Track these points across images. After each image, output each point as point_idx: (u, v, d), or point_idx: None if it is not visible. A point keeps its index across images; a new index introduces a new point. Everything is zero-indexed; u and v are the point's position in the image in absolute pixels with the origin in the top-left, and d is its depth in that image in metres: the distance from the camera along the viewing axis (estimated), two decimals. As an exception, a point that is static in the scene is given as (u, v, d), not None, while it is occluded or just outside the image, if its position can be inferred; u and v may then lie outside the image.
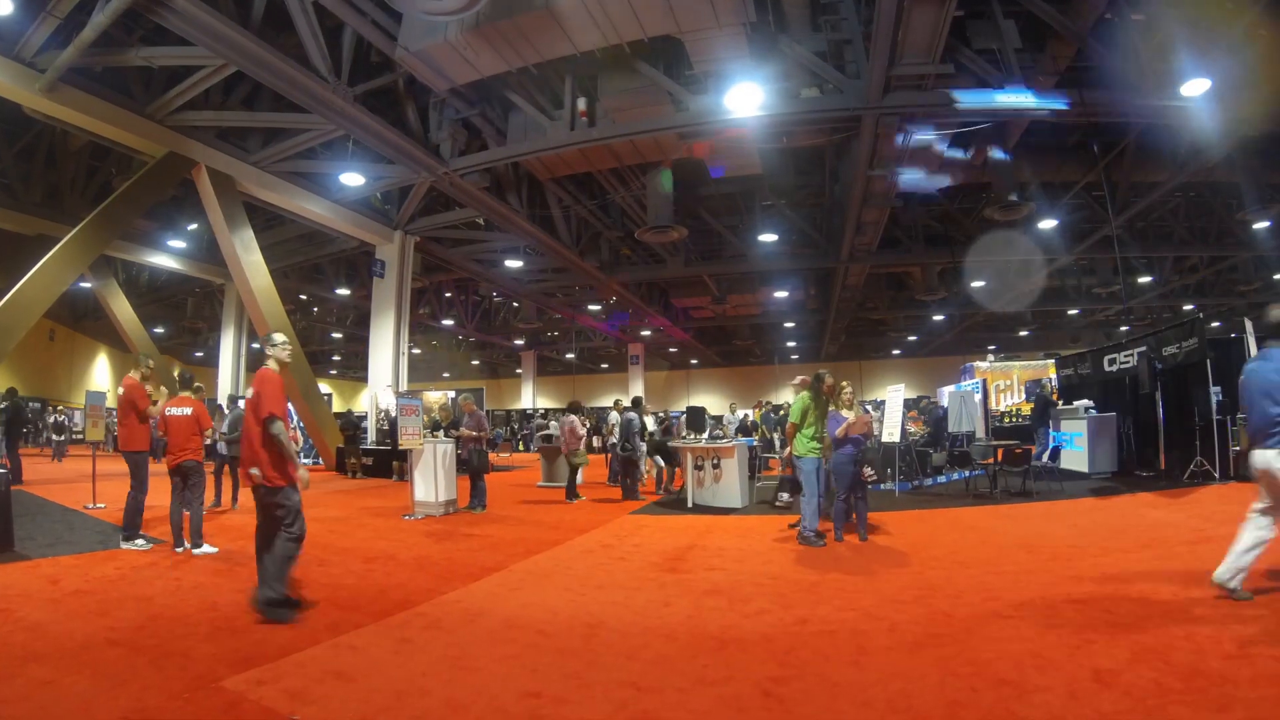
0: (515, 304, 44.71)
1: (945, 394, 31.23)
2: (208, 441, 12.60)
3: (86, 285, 31.96)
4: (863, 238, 26.53)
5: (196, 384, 11.87)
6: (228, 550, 11.02)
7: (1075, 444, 19.90)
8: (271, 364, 7.97)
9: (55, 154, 24.82)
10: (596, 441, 30.92)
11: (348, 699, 5.45)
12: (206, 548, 10.89)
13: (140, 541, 11.24)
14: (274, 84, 16.88)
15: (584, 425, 19.18)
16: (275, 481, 7.76)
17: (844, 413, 11.57)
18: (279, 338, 8.10)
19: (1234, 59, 15.74)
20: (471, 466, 16.52)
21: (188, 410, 11.25)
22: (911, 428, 21.38)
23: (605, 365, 68.08)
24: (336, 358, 61.26)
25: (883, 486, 18.30)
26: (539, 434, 27.96)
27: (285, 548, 7.76)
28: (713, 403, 46.68)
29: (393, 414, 20.06)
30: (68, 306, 40.23)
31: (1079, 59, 17.00)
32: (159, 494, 11.95)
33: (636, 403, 18.92)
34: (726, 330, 51.73)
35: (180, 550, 10.78)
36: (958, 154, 20.67)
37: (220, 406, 21.03)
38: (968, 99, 16.74)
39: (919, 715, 5.00)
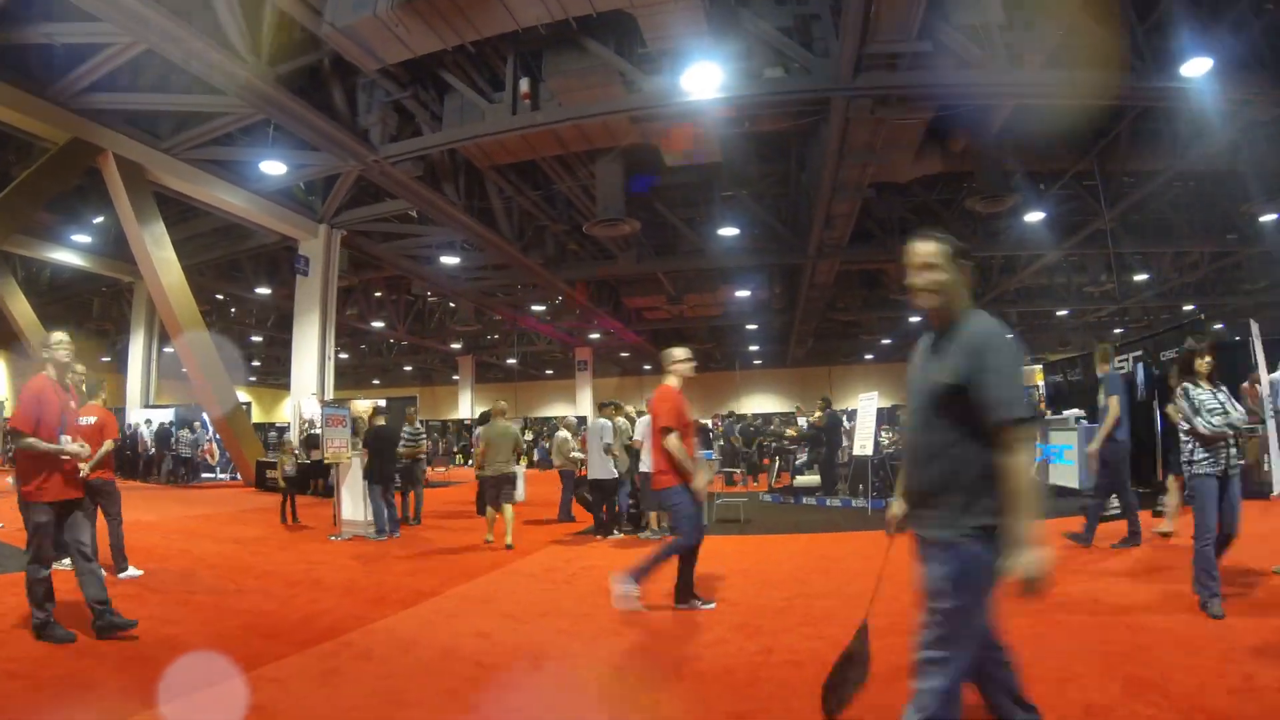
0: (452, 305, 44.45)
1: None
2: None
3: (-19, 284, 31.52)
4: (832, 231, 26.49)
5: (101, 391, 11.65)
6: (144, 574, 10.92)
7: (1064, 457, 19.77)
8: (50, 370, 7.83)
9: (-55, 141, 24.37)
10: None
11: (269, 738, 5.41)
12: (131, 570, 10.81)
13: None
14: (188, 63, 16.64)
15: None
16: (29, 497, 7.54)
17: None
18: (57, 337, 7.94)
19: (1239, 36, 15.83)
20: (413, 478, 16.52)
21: (92, 419, 11.00)
22: (884, 439, 21.41)
23: (550, 371, 67.88)
24: (256, 363, 60.63)
25: (854, 504, 18.44)
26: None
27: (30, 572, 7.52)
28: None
29: (317, 425, 19.96)
30: (-40, 307, 39.52)
31: (1069, 35, 16.91)
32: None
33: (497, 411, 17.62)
34: (683, 333, 51.14)
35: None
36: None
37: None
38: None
39: (892, 753, 4.99)
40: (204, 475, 30.66)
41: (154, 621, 8.23)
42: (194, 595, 9.83)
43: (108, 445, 10.93)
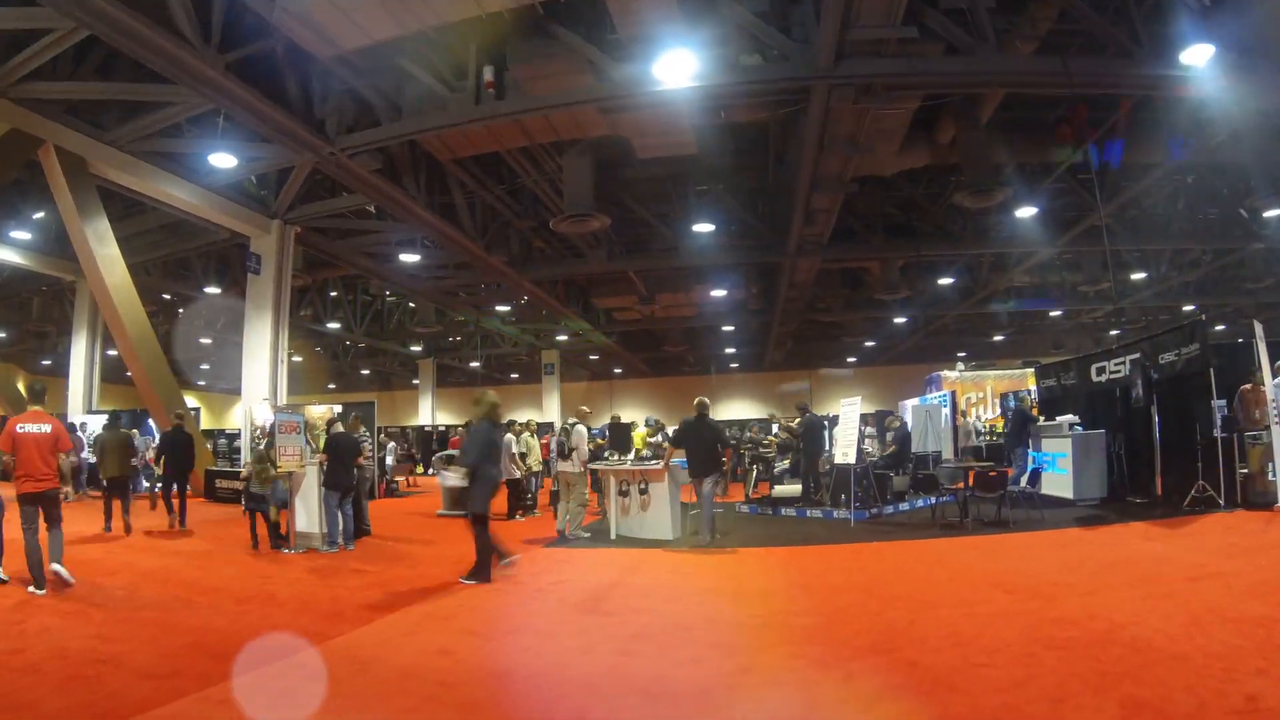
0: (412, 305, 44.29)
1: (908, 408, 31.13)
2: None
3: (-85, 283, 31.28)
4: (813, 228, 26.44)
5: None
6: (85, 589, 10.82)
7: (1058, 466, 19.75)
8: None
9: (-124, 132, 24.09)
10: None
11: (217, 763, 5.37)
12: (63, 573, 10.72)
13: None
14: (133, 50, 16.40)
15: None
16: None
17: None
18: None
19: (1242, 21, 15.77)
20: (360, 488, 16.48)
21: (46, 428, 10.95)
22: (869, 447, 21.32)
23: (515, 375, 67.79)
24: (205, 367, 60.21)
25: (836, 515, 18.41)
26: (438, 456, 27.59)
27: None
28: (639, 418, 46.55)
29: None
30: (-108, 307, 39.20)
31: (1062, 20, 16.89)
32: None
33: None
34: (655, 335, 51.33)
35: (41, 592, 10.50)
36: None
37: (74, 425, 20.76)
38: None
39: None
40: (148, 485, 30.51)
41: (96, 640, 8.18)
42: (138, 612, 9.76)
43: (66, 456, 10.95)
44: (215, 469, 26.66)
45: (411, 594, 10.88)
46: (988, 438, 35.49)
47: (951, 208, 27.07)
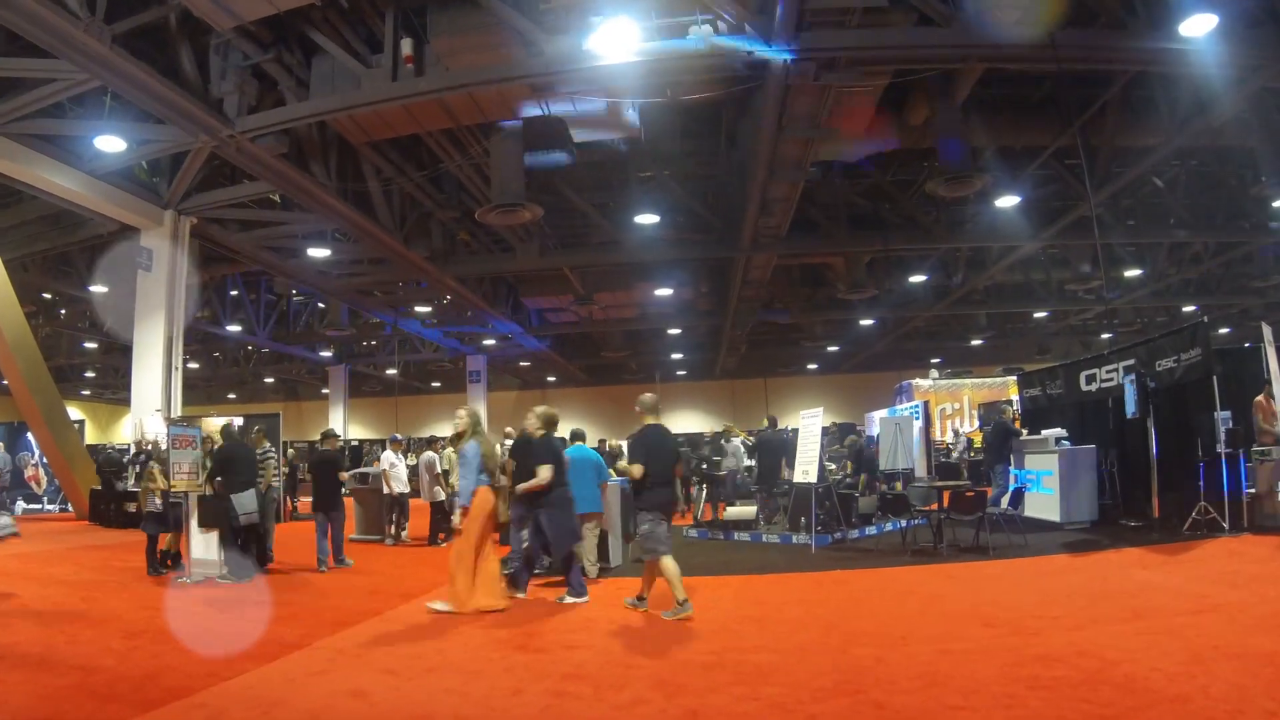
0: (321, 305, 44.03)
1: (875, 420, 31.17)
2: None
3: None
4: (769, 219, 26.35)
5: None
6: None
7: (1043, 485, 19.82)
8: None
9: None
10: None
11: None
12: None
13: None
14: (7, 19, 16.17)
15: None
16: None
17: None
18: None
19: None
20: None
21: None
22: (832, 465, 21.30)
23: (437, 384, 67.39)
24: (90, 374, 59.65)
25: (795, 540, 18.42)
26: (351, 474, 27.38)
27: None
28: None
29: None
30: None
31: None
32: None
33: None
34: (593, 339, 51.37)
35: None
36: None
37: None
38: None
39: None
40: (30, 506, 30.21)
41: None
42: (16, 647, 9.68)
43: None
44: (100, 489, 26.40)
45: (320, 628, 10.82)
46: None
47: (924, 197, 27.01)
